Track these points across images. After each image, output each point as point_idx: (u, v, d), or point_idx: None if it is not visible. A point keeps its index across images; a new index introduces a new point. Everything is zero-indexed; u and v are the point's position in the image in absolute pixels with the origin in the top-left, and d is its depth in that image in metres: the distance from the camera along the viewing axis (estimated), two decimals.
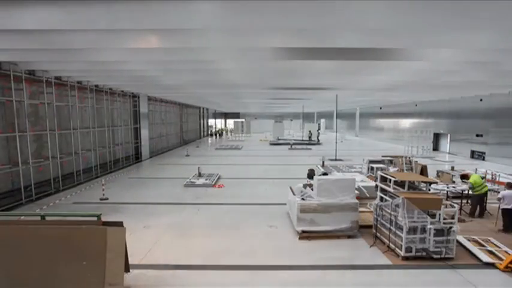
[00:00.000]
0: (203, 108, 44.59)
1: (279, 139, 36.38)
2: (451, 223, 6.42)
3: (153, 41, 7.07)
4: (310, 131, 35.95)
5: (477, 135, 21.84)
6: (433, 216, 6.48)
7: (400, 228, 6.47)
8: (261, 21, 5.52)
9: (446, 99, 24.55)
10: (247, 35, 6.85)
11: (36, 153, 11.51)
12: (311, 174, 12.96)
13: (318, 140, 35.04)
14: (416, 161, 14.32)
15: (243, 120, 47.00)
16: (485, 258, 6.37)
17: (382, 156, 15.60)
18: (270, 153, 25.70)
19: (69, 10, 5.36)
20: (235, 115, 60.79)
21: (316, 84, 16.31)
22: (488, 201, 9.62)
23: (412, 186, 7.42)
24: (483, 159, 20.84)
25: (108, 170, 16.49)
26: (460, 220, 8.21)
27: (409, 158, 14.73)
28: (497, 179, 12.48)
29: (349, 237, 7.57)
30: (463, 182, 11.07)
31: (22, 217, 7.26)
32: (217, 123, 60.84)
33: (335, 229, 7.53)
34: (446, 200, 8.91)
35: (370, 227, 7.82)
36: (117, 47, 7.58)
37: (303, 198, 8.00)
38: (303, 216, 7.57)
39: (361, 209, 8.20)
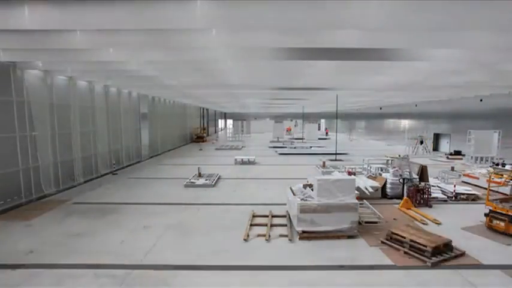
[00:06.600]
0: (203, 109, 44.54)
1: (279, 141, 32.54)
2: None
3: (153, 41, 7.07)
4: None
5: None
6: None
7: None
8: (262, 21, 5.52)
9: (446, 100, 24.53)
10: (247, 35, 6.86)
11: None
12: None
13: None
14: (412, 161, 14.27)
15: (244, 120, 46.67)
16: None
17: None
18: (270, 153, 25.67)
19: (69, 10, 5.37)
20: (238, 116, 60.15)
21: (316, 85, 16.30)
22: None
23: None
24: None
25: (108, 170, 16.45)
26: None
27: (407, 157, 14.68)
28: None
29: (349, 237, 7.57)
30: None
31: None
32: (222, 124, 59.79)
33: (335, 229, 7.53)
34: None
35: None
36: (117, 47, 7.59)
37: (303, 199, 8.00)
38: (303, 216, 7.57)
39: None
